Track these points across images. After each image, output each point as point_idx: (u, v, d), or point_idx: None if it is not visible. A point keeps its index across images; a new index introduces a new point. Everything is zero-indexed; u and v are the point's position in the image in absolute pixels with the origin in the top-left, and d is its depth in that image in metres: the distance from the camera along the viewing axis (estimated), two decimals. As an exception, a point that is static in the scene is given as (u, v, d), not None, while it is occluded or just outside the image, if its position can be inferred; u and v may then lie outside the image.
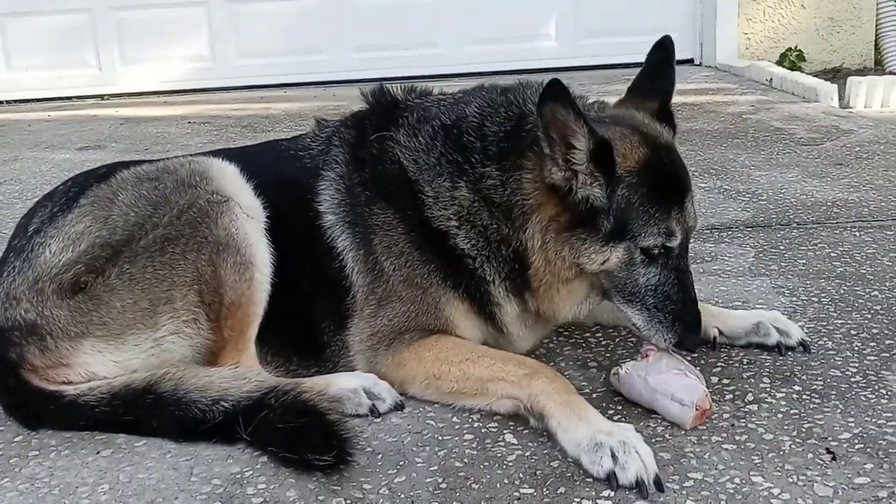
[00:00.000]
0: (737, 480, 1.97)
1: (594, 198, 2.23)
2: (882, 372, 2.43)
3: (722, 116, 6.20)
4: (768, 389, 2.36)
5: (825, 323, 2.77)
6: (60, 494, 2.06)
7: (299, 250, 2.49)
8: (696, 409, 2.17)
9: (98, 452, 2.21)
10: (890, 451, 2.05)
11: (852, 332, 2.70)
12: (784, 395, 2.33)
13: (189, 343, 2.35)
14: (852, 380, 2.40)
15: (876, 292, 3.00)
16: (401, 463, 2.11)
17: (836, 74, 7.88)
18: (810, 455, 2.05)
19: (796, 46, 8.32)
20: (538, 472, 2.05)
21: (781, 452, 2.07)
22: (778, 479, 1.97)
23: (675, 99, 2.52)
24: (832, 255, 3.39)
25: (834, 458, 2.03)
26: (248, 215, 2.42)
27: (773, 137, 5.51)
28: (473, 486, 2.01)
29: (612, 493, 1.94)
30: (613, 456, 1.97)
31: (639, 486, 1.93)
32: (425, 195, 2.43)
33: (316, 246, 2.49)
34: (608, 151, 2.20)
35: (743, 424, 2.20)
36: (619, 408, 2.31)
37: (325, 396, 2.22)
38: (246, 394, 2.20)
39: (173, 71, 8.68)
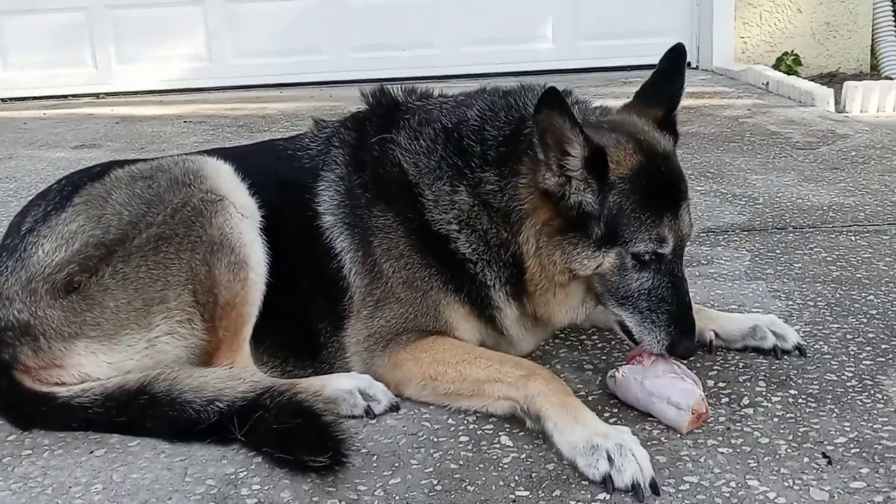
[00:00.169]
0: (732, 484, 1.97)
1: (586, 203, 2.23)
2: (878, 376, 2.43)
3: (718, 120, 6.21)
4: (764, 393, 2.36)
5: (821, 327, 2.77)
6: (53, 494, 2.05)
7: (296, 250, 2.48)
8: (693, 413, 2.17)
9: (92, 452, 2.20)
10: (886, 455, 2.05)
11: (848, 336, 2.69)
12: (780, 398, 2.33)
13: (183, 343, 2.34)
14: (848, 384, 2.40)
15: (872, 296, 3.00)
16: (396, 464, 2.11)
17: (832, 79, 7.90)
18: (806, 459, 2.05)
19: (793, 51, 8.35)
20: (534, 475, 2.04)
21: (777, 456, 2.07)
22: (774, 483, 1.96)
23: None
24: (828, 259, 3.39)
25: (830, 463, 2.03)
26: (242, 215, 2.41)
27: (770, 141, 5.52)
28: (469, 488, 2.00)
29: (608, 497, 1.94)
30: (610, 459, 1.96)
31: (635, 490, 1.93)
32: (425, 198, 2.42)
33: (314, 246, 2.48)
34: (602, 158, 2.21)
35: (739, 428, 2.19)
36: (615, 411, 2.31)
37: (320, 397, 2.21)
38: (241, 394, 2.20)
39: (170, 70, 8.67)
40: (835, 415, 2.24)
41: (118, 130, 6.82)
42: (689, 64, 8.70)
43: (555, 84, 2.22)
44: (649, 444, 2.11)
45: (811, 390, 2.37)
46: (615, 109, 2.53)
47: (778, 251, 3.51)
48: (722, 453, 2.09)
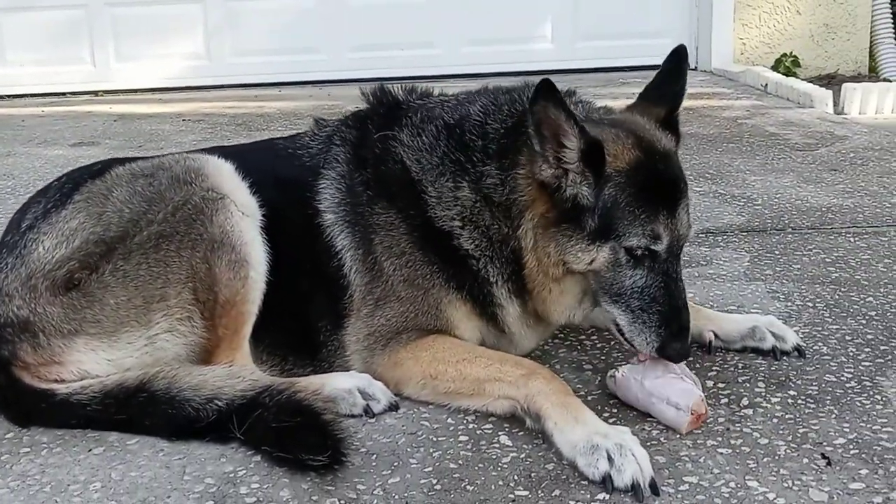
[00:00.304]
0: (732, 485, 1.97)
1: (582, 196, 2.23)
2: (877, 377, 2.43)
3: (717, 121, 6.22)
4: (763, 394, 2.36)
5: (820, 328, 2.77)
6: (52, 492, 2.04)
7: (296, 249, 2.48)
8: (692, 414, 2.17)
9: (90, 450, 2.20)
10: (885, 456, 2.05)
11: (847, 337, 2.70)
12: (779, 399, 2.33)
13: (183, 341, 2.34)
14: (847, 385, 2.40)
15: (870, 298, 3.00)
16: (395, 464, 2.11)
17: (831, 81, 7.91)
18: (805, 460, 2.05)
19: (791, 52, 8.35)
20: (533, 475, 2.04)
21: (777, 457, 2.07)
22: (773, 483, 1.97)
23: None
24: (827, 260, 3.40)
25: (829, 464, 2.03)
26: (243, 213, 2.41)
27: (768, 142, 5.52)
28: (468, 487, 2.00)
29: (607, 496, 1.94)
30: (610, 458, 1.96)
31: (634, 490, 1.93)
32: (428, 195, 2.42)
33: (314, 245, 2.48)
34: (599, 151, 2.21)
35: (738, 429, 2.20)
36: (615, 411, 2.31)
37: (319, 396, 2.21)
38: (240, 393, 2.19)
39: (168, 68, 8.66)
40: (834, 416, 2.24)
41: (116, 128, 6.82)
42: (688, 69, 8.71)
43: (555, 84, 2.22)
44: (649, 444, 2.11)
45: (810, 391, 2.37)
46: (619, 110, 2.54)
47: (777, 252, 3.51)
48: (721, 454, 2.09)
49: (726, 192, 4.45)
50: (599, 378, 2.47)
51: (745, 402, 2.33)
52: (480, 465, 2.08)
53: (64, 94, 8.59)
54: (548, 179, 2.25)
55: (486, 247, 2.39)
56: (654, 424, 2.22)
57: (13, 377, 2.28)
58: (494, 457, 2.12)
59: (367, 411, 2.31)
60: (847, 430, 2.17)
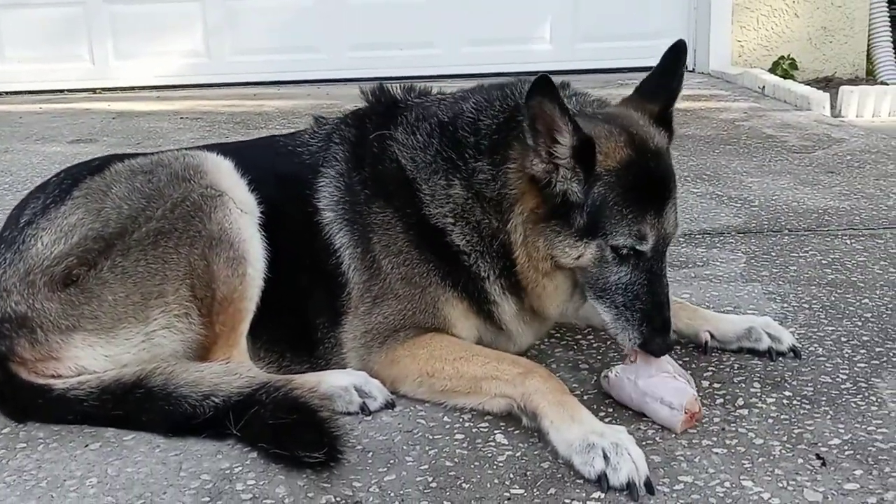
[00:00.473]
0: (727, 484, 1.97)
1: (571, 192, 2.23)
2: (872, 379, 2.44)
3: (714, 123, 6.22)
4: (759, 394, 2.37)
5: (816, 329, 2.78)
6: (48, 487, 2.04)
7: (295, 246, 2.49)
8: (686, 413, 2.17)
9: (86, 446, 2.20)
10: (879, 457, 2.06)
11: (843, 338, 2.71)
12: (774, 400, 2.34)
13: (180, 338, 2.34)
14: (842, 386, 2.41)
15: (866, 300, 3.01)
16: (391, 461, 2.11)
17: (828, 83, 7.93)
18: (800, 460, 2.06)
19: (789, 55, 8.37)
20: (529, 473, 2.04)
21: (771, 457, 2.08)
22: (768, 483, 1.97)
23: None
24: (823, 262, 3.41)
25: (824, 464, 2.04)
26: (241, 210, 2.41)
27: (766, 144, 5.53)
28: (464, 485, 2.01)
29: (603, 495, 1.94)
30: (605, 457, 1.97)
31: (629, 489, 1.93)
32: (422, 193, 2.43)
33: (313, 242, 2.48)
34: (591, 149, 2.21)
35: (733, 429, 2.20)
36: (610, 410, 2.31)
37: (316, 394, 2.21)
38: (237, 389, 2.20)
39: (167, 66, 8.65)
40: (829, 417, 2.25)
41: (115, 125, 6.81)
42: (686, 66, 8.72)
43: (552, 80, 2.21)
44: (644, 443, 2.12)
45: (806, 392, 2.38)
46: (613, 102, 2.54)
47: (773, 254, 3.52)
48: (716, 454, 2.10)
49: (723, 193, 4.45)
50: (595, 378, 2.47)
51: (740, 402, 2.33)
52: (476, 464, 2.09)
53: (62, 91, 8.58)
54: (539, 174, 2.25)
55: (477, 242, 2.39)
56: (650, 424, 2.23)
57: (10, 372, 2.28)
58: (490, 455, 2.12)
59: (364, 409, 2.31)
60: (842, 430, 2.18)
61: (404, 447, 2.17)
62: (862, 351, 2.62)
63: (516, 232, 2.31)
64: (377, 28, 8.60)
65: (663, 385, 2.23)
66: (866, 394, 2.36)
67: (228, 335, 2.35)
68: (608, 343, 2.71)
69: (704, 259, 3.49)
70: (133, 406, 2.22)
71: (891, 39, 8.46)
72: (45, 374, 2.29)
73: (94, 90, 8.61)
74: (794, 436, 2.16)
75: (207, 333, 2.34)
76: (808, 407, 2.30)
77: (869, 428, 2.19)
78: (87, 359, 2.29)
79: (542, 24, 8.78)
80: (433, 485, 2.01)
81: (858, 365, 2.53)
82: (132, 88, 8.58)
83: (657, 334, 2.24)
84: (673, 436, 2.17)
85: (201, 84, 8.58)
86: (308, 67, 8.63)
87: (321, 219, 2.49)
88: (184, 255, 2.32)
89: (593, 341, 2.74)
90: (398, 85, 2.69)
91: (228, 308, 2.34)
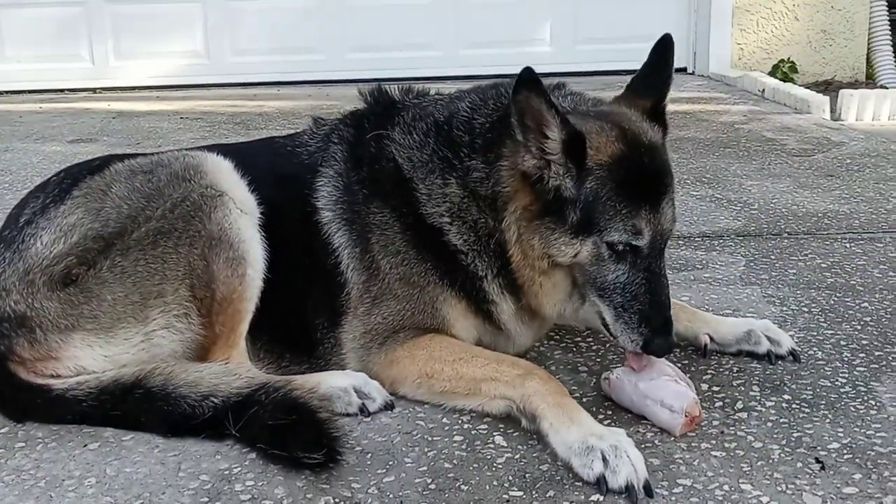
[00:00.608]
0: (726, 488, 1.97)
1: (564, 188, 2.23)
2: (871, 383, 2.44)
3: (714, 125, 6.23)
4: (758, 398, 2.37)
5: (815, 333, 2.78)
6: (46, 487, 2.04)
7: (294, 247, 2.49)
8: (686, 416, 2.17)
9: (85, 445, 2.20)
10: (878, 461, 2.06)
11: (842, 342, 2.71)
12: (774, 403, 2.34)
13: (179, 338, 2.34)
14: (842, 390, 2.41)
15: (866, 303, 3.01)
16: (390, 463, 2.11)
17: (828, 87, 7.94)
18: (799, 464, 2.06)
19: (789, 58, 8.37)
20: (527, 475, 2.04)
21: (770, 461, 2.07)
22: (767, 487, 1.97)
23: (668, 107, 2.47)
24: (822, 265, 3.41)
25: (823, 468, 2.04)
26: (241, 210, 2.41)
27: (765, 148, 5.54)
28: (462, 487, 2.01)
29: (601, 498, 1.94)
30: (604, 460, 1.96)
31: (628, 491, 1.93)
32: (419, 192, 2.43)
33: (312, 243, 2.48)
34: (581, 143, 2.20)
35: (732, 432, 2.20)
36: (610, 412, 2.31)
37: (315, 394, 2.21)
38: (236, 390, 2.19)
39: (167, 66, 8.66)
40: (828, 420, 2.25)
41: (114, 125, 6.81)
42: (685, 69, 8.75)
43: (536, 73, 2.20)
44: (643, 446, 2.12)
45: (805, 396, 2.38)
46: (608, 101, 2.54)
47: (773, 257, 3.52)
48: (715, 457, 2.09)
49: (723, 196, 4.46)
50: (595, 380, 2.47)
51: (739, 405, 2.33)
52: (475, 465, 2.09)
53: (62, 90, 8.58)
54: (530, 170, 2.25)
55: (474, 241, 2.39)
56: (649, 427, 2.23)
57: (9, 372, 2.28)
58: (489, 457, 2.12)
59: (363, 410, 2.31)
60: (841, 434, 2.18)
61: (403, 448, 2.17)
62: (861, 355, 2.62)
63: (510, 230, 2.31)
64: (377, 30, 8.61)
65: (664, 388, 2.23)
66: (865, 398, 2.36)
67: (228, 335, 2.35)
68: (608, 345, 2.71)
69: (704, 262, 3.49)
70: (132, 406, 2.22)
71: (891, 43, 8.47)
72: (44, 373, 2.29)
73: (94, 90, 8.60)
74: (793, 439, 2.16)
75: (207, 334, 2.34)
76: (807, 410, 2.30)
77: (868, 432, 2.19)
78: (86, 359, 2.29)
79: (542, 26, 8.78)
80: (432, 486, 2.01)
81: (858, 369, 2.53)
82: (132, 88, 8.58)
83: (658, 335, 2.22)
84: (672, 439, 2.17)
85: (201, 84, 8.58)
86: (308, 68, 8.63)
87: (320, 218, 2.49)
88: (183, 255, 2.32)
89: (593, 344, 2.74)
90: (396, 86, 2.69)
91: (228, 308, 2.34)
